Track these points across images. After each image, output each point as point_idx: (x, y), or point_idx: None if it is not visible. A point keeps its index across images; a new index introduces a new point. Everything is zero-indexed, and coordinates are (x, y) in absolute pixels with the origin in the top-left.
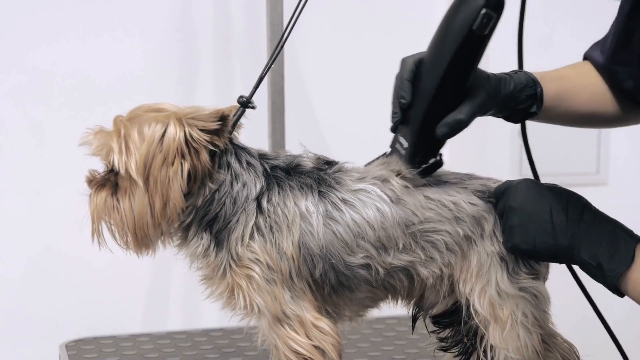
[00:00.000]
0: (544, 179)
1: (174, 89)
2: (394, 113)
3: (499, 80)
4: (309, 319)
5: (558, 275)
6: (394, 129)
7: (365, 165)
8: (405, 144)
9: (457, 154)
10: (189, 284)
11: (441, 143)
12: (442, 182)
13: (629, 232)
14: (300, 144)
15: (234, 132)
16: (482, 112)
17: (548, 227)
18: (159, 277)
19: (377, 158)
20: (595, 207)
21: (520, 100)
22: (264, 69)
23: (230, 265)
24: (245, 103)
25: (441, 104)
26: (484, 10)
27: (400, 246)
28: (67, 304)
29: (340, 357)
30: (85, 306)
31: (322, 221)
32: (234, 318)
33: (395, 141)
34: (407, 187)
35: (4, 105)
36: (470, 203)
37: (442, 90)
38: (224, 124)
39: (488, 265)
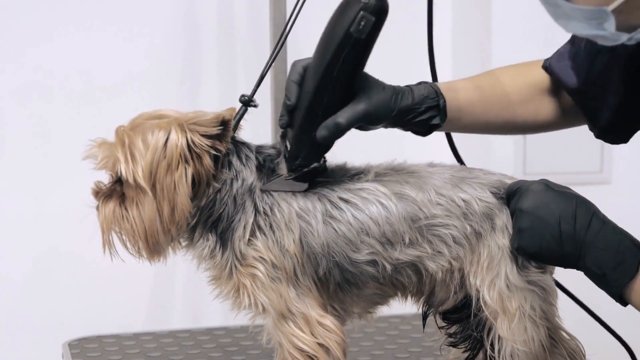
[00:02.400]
0: (547, 178)
1: (177, 87)
2: (280, 116)
3: (397, 93)
4: (314, 317)
5: (559, 275)
6: (283, 134)
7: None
8: (289, 147)
9: (462, 151)
10: (192, 282)
11: (323, 148)
12: (458, 178)
13: (635, 243)
14: None
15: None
16: (365, 119)
17: (555, 234)
18: (162, 276)
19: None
20: (603, 215)
21: (419, 112)
22: (265, 67)
23: (235, 266)
24: (247, 102)
25: (321, 107)
26: (361, 13)
27: (407, 241)
28: (70, 303)
29: (345, 355)
30: (89, 305)
31: (321, 219)
32: (237, 317)
33: (283, 145)
34: (415, 182)
35: (7, 104)
36: (482, 200)
37: (321, 92)
38: (225, 129)
39: (499, 259)
